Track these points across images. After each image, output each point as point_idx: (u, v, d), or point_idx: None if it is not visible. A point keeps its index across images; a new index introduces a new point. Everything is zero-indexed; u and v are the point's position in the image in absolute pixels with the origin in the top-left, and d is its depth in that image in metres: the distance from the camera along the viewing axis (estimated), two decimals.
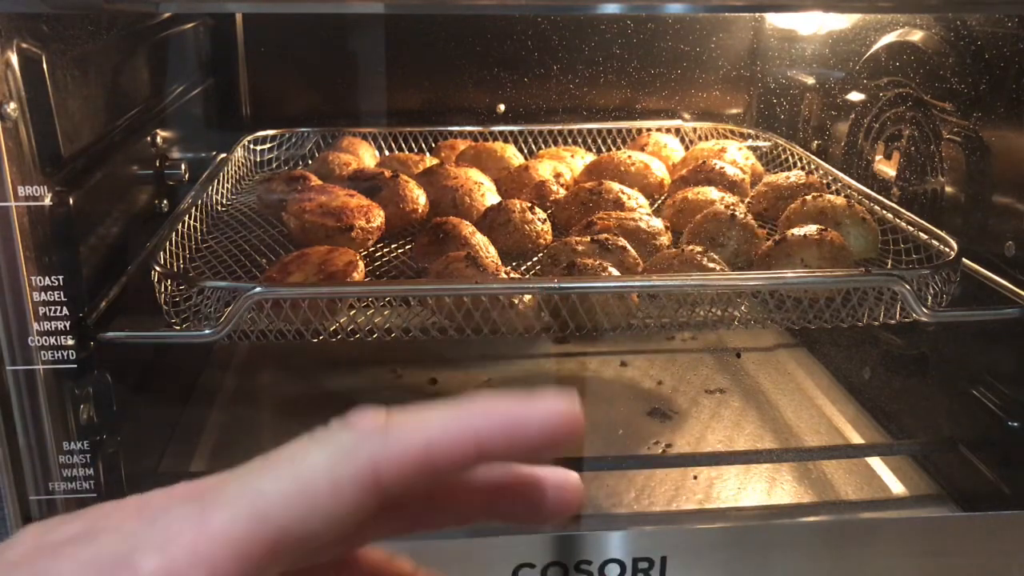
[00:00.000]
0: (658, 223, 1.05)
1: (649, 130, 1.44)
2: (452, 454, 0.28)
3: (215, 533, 0.25)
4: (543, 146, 1.43)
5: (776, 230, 1.08)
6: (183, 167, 1.04)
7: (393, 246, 1.07)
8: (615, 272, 0.91)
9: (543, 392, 0.29)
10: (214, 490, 0.27)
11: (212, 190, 1.15)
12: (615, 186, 1.14)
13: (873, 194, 1.10)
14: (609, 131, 1.46)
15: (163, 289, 0.84)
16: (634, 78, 1.45)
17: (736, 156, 1.29)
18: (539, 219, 1.07)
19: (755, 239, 1.02)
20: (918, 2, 0.92)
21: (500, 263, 0.96)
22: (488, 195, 1.16)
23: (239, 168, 1.30)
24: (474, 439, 0.28)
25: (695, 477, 0.99)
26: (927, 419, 1.05)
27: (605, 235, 0.98)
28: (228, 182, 1.23)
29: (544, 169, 1.24)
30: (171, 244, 0.93)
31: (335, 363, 1.24)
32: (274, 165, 1.38)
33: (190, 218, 1.02)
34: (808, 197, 1.07)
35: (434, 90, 1.46)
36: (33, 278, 0.70)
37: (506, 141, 1.41)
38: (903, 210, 1.03)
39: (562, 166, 1.28)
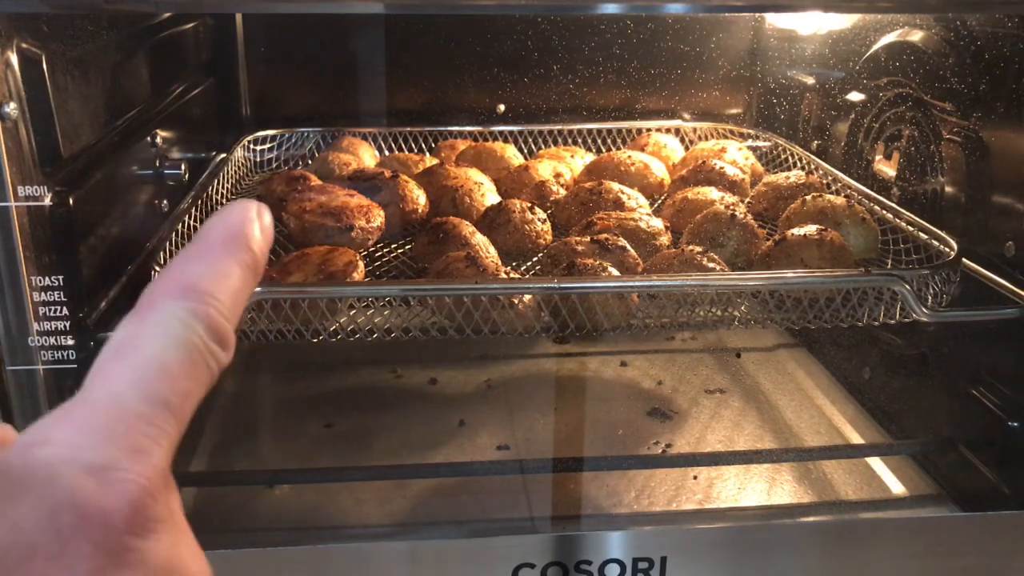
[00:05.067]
0: (658, 223, 1.05)
1: (649, 130, 1.44)
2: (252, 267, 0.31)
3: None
4: (543, 146, 1.43)
5: (776, 230, 1.08)
6: (183, 167, 1.04)
7: (393, 246, 1.07)
8: (615, 272, 0.91)
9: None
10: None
11: (212, 190, 1.14)
12: (615, 186, 1.14)
13: (873, 194, 1.10)
14: (609, 131, 1.46)
15: None
16: (634, 78, 1.45)
17: (736, 156, 1.29)
18: (539, 219, 1.07)
19: (755, 239, 1.02)
20: (918, 2, 0.92)
21: (500, 263, 0.96)
22: (488, 195, 1.16)
23: (239, 168, 1.30)
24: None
25: (695, 477, 0.99)
26: (927, 419, 1.05)
27: (605, 235, 0.98)
28: (228, 182, 1.23)
29: (544, 169, 1.24)
30: (171, 244, 0.93)
31: (335, 363, 1.24)
32: (274, 165, 1.38)
33: (190, 218, 1.02)
34: (808, 197, 1.07)
35: (434, 90, 1.46)
36: (33, 278, 0.70)
37: (506, 141, 1.41)
38: (903, 210, 1.03)
39: (562, 166, 1.28)
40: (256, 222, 0.31)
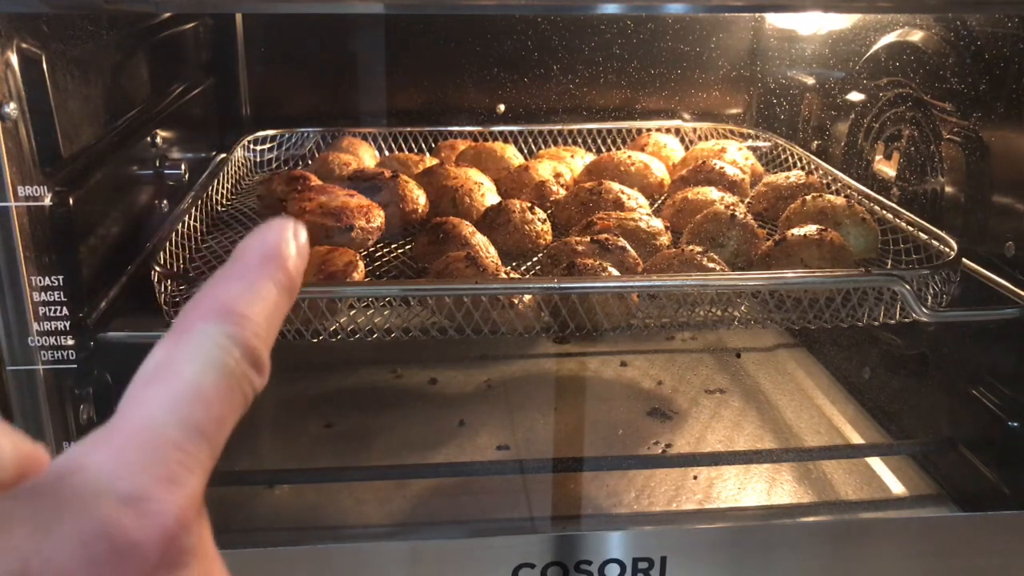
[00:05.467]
0: (658, 223, 1.05)
1: (649, 130, 1.44)
2: (284, 294, 0.31)
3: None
4: (543, 146, 1.43)
5: (776, 230, 1.08)
6: (183, 167, 1.04)
7: (393, 246, 1.07)
8: (615, 272, 0.91)
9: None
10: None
11: (212, 190, 1.14)
12: (615, 186, 1.14)
13: (873, 194, 1.10)
14: (609, 131, 1.46)
15: (163, 289, 0.84)
16: (634, 78, 1.45)
17: (736, 156, 1.29)
18: (539, 219, 1.07)
19: (755, 239, 1.02)
20: (918, 2, 0.92)
21: (500, 263, 0.96)
22: (488, 195, 1.16)
23: (239, 168, 1.30)
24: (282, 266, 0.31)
25: (695, 477, 0.99)
26: (927, 419, 1.05)
27: (605, 235, 0.98)
28: (228, 182, 1.23)
29: (544, 169, 1.24)
30: (171, 244, 0.93)
31: (335, 363, 1.24)
32: (274, 165, 1.38)
33: (190, 218, 1.02)
34: (808, 197, 1.07)
35: (434, 90, 1.46)
36: (33, 278, 0.70)
37: (506, 141, 1.41)
38: (903, 210, 1.03)
39: (562, 166, 1.28)
40: (292, 242, 0.31)
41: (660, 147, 1.37)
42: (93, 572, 0.24)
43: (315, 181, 1.14)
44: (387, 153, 1.40)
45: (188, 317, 0.29)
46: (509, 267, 0.98)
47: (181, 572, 0.25)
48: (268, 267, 0.30)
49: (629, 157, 1.25)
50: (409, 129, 1.43)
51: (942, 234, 0.95)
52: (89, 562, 0.24)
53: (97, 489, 0.25)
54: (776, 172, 1.29)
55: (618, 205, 1.11)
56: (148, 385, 0.27)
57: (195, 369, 0.27)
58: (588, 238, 0.98)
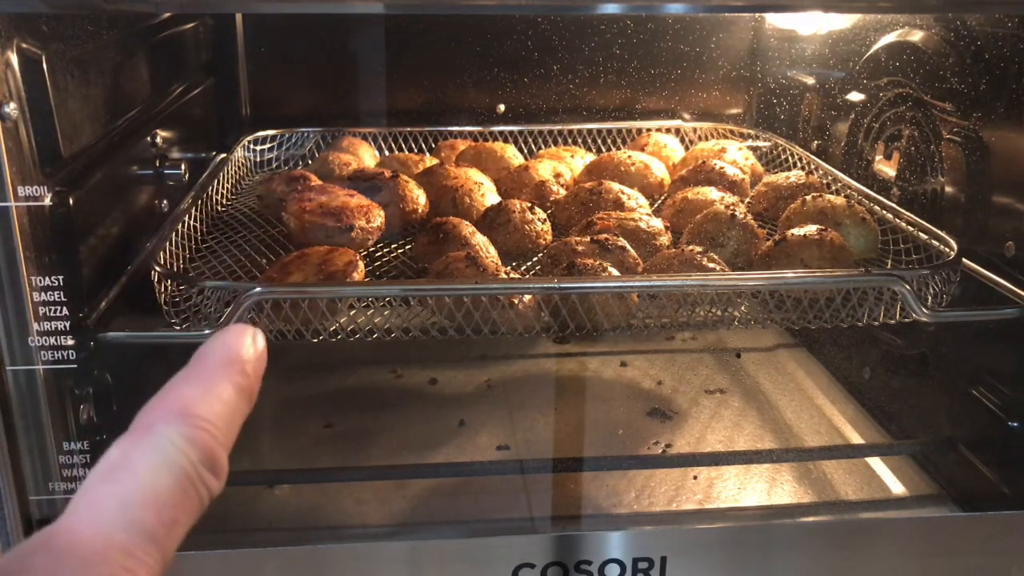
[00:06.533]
0: (658, 223, 1.05)
1: (649, 130, 1.44)
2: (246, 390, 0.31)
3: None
4: (543, 146, 1.43)
5: (776, 230, 1.08)
6: (183, 167, 1.04)
7: (393, 246, 1.07)
8: (615, 272, 0.91)
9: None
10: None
11: (212, 190, 1.15)
12: (615, 186, 1.14)
13: (873, 194, 1.10)
14: (609, 131, 1.46)
15: (163, 289, 0.84)
16: (634, 78, 1.45)
17: (736, 156, 1.29)
18: (539, 219, 1.07)
19: (755, 239, 1.02)
20: (918, 2, 0.92)
21: (500, 263, 0.96)
22: (488, 195, 1.16)
23: (239, 168, 1.30)
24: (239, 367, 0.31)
25: (695, 477, 0.99)
26: (927, 419, 1.05)
27: (605, 235, 0.98)
28: (228, 182, 1.23)
29: (544, 169, 1.24)
30: (171, 244, 0.93)
31: (335, 363, 1.24)
32: (274, 165, 1.38)
33: (190, 218, 1.02)
34: (808, 197, 1.07)
35: (434, 90, 1.46)
36: (33, 278, 0.70)
37: (506, 141, 1.41)
38: (903, 210, 1.03)
39: (562, 166, 1.28)
40: (252, 347, 0.31)
41: (660, 147, 1.37)
42: None
43: (315, 181, 1.14)
44: (387, 153, 1.40)
45: (147, 417, 0.29)
46: (509, 267, 0.98)
47: None
48: (228, 370, 0.30)
49: (629, 157, 1.25)
50: (409, 129, 1.43)
51: (942, 234, 0.95)
52: None
53: None
54: (776, 172, 1.29)
55: (618, 205, 1.11)
56: (102, 483, 0.27)
57: (150, 470, 0.27)
58: (588, 238, 0.98)
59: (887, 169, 1.14)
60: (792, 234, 0.96)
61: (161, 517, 0.27)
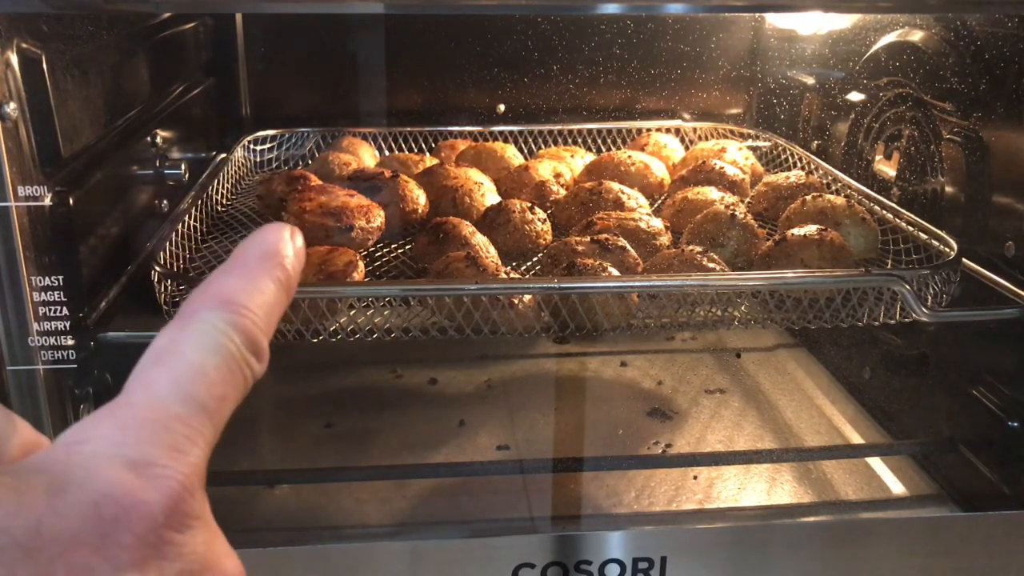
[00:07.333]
0: (658, 223, 1.05)
1: (649, 130, 1.44)
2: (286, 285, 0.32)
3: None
4: (543, 146, 1.43)
5: (776, 230, 1.08)
6: (183, 167, 1.04)
7: (393, 246, 1.07)
8: (615, 272, 0.91)
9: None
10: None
11: (212, 190, 1.15)
12: (615, 186, 1.14)
13: (873, 194, 1.10)
14: (609, 131, 1.46)
15: (163, 289, 0.84)
16: (634, 78, 1.45)
17: (736, 156, 1.29)
18: (539, 219, 1.07)
19: (755, 239, 1.02)
20: (918, 2, 0.92)
21: (500, 263, 0.96)
22: (488, 195, 1.16)
23: (239, 168, 1.30)
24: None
25: (695, 477, 0.99)
26: (927, 419, 1.05)
27: (605, 235, 0.98)
28: (228, 182, 1.23)
29: (544, 169, 1.24)
30: (171, 244, 0.93)
31: (335, 363, 1.24)
32: (274, 165, 1.38)
33: (190, 218, 1.02)
34: (808, 197, 1.07)
35: (434, 90, 1.46)
36: (33, 278, 0.70)
37: (506, 141, 1.41)
38: (903, 210, 1.03)
39: (562, 166, 1.28)
40: (290, 243, 0.33)
41: (660, 147, 1.37)
42: (102, 530, 0.25)
43: (315, 181, 1.14)
44: (387, 153, 1.40)
45: (191, 306, 0.30)
46: (509, 267, 0.98)
47: (187, 534, 0.26)
48: (267, 264, 0.32)
49: (629, 157, 1.25)
50: (409, 129, 1.43)
51: (942, 234, 0.95)
52: (98, 520, 0.25)
53: (104, 455, 0.26)
54: (776, 172, 1.29)
55: (618, 205, 1.11)
56: (153, 365, 0.29)
57: (198, 351, 0.29)
58: (588, 238, 0.98)
59: (887, 169, 1.14)
60: (792, 234, 0.96)
61: (212, 392, 0.28)
